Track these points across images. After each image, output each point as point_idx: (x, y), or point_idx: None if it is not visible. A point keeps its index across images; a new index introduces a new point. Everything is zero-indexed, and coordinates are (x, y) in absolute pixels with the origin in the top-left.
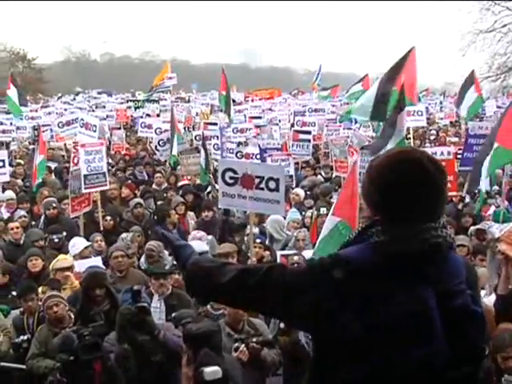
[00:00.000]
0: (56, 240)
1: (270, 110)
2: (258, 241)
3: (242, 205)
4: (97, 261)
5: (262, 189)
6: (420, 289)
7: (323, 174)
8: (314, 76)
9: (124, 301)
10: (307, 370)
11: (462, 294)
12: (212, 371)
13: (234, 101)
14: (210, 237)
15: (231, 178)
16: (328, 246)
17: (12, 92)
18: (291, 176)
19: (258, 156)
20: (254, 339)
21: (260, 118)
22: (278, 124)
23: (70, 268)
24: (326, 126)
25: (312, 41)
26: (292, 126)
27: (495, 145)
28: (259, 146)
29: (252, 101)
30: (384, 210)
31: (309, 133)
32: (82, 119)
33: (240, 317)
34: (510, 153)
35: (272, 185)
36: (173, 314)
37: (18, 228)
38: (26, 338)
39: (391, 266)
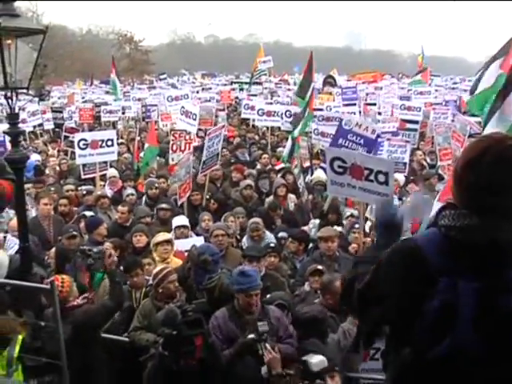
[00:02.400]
0: (165, 206)
1: (373, 93)
2: (357, 226)
3: (351, 194)
4: (199, 240)
5: (372, 181)
6: (464, 280)
7: (429, 160)
8: (419, 58)
9: (237, 282)
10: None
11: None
12: (318, 361)
13: (332, 85)
14: (317, 221)
15: (340, 166)
16: None
17: (113, 76)
18: (405, 163)
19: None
20: None
21: (354, 104)
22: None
23: (170, 242)
24: (433, 109)
25: (417, 23)
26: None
27: None
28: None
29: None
30: (457, 198)
31: (416, 122)
32: (183, 107)
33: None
34: None
35: (381, 178)
36: (267, 296)
37: (124, 213)
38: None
39: (451, 254)
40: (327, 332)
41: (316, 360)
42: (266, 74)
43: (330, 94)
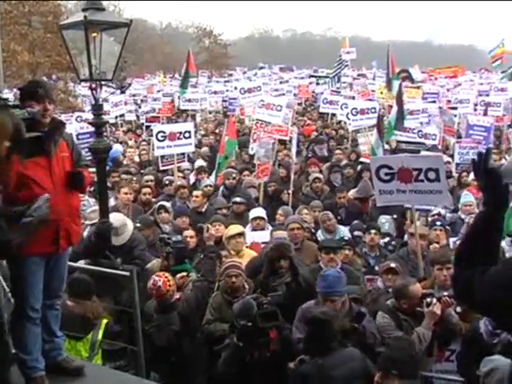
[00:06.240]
0: (239, 200)
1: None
2: (439, 223)
3: (402, 200)
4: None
5: (422, 180)
6: None
7: (508, 158)
8: (491, 49)
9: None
10: None
11: None
12: None
13: (412, 80)
14: (388, 216)
15: (386, 174)
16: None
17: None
18: None
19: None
20: (445, 293)
21: (434, 102)
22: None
23: (242, 235)
24: None
25: (501, 18)
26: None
27: None
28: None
29: (436, 79)
30: None
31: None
32: (262, 100)
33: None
34: None
35: (432, 175)
36: None
37: (198, 197)
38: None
39: None
40: (332, 335)
41: None
42: (347, 66)
43: (418, 88)
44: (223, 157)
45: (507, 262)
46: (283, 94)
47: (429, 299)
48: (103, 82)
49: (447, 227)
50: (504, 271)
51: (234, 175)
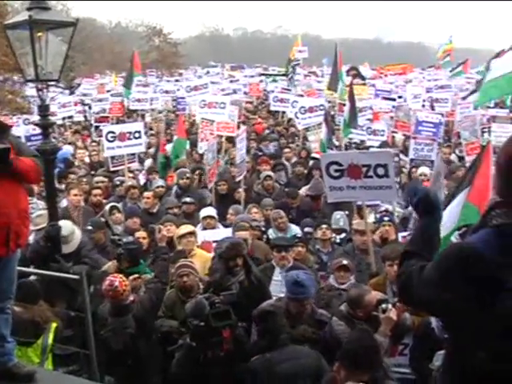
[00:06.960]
0: (189, 200)
1: (404, 86)
2: (387, 219)
3: (352, 196)
4: (227, 232)
5: (371, 177)
6: None
7: (458, 152)
8: (439, 46)
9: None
10: (444, 355)
11: None
12: None
13: (363, 77)
14: (341, 212)
15: (336, 170)
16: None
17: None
18: (432, 161)
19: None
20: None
21: (394, 99)
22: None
23: (193, 234)
24: (459, 104)
25: (449, 15)
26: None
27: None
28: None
29: (386, 76)
30: (506, 194)
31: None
32: (204, 100)
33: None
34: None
35: (381, 171)
36: None
37: (149, 198)
38: None
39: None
40: (276, 328)
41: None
42: (298, 64)
43: (364, 84)
44: (173, 156)
45: (438, 256)
46: (234, 93)
47: (384, 305)
48: (50, 83)
49: (396, 222)
50: (432, 268)
51: (187, 175)
